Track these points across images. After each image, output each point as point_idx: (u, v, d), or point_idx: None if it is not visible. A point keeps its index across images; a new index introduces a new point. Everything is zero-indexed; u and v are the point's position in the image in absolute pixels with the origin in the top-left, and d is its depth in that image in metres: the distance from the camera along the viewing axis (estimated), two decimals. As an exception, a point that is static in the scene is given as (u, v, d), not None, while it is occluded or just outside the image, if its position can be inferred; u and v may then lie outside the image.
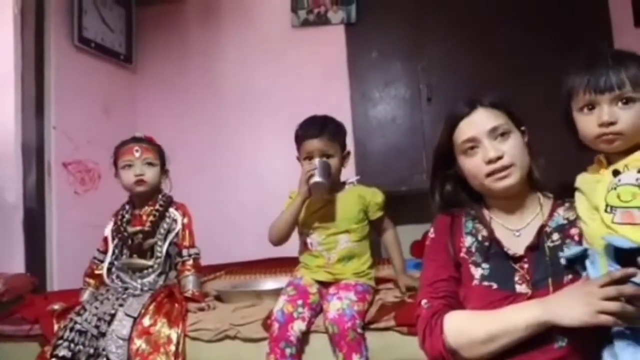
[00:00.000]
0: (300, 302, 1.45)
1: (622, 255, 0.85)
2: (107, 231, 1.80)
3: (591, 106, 0.93)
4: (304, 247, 1.66)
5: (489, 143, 1.03)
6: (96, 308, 1.57)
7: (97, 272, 1.79)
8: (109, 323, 1.52)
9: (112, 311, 1.55)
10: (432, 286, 1.06)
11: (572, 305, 0.85)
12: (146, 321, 1.53)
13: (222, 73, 3.14)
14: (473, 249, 1.07)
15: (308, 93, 2.92)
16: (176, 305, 1.62)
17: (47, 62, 2.43)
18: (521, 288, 0.99)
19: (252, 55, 3.08)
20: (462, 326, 0.97)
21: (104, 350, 1.49)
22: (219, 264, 2.63)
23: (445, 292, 1.04)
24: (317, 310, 1.49)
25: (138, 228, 1.74)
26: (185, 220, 1.81)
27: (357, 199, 1.64)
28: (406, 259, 1.80)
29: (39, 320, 1.65)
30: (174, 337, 1.51)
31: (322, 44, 2.97)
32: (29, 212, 2.28)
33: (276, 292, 1.67)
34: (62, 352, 1.49)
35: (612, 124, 0.91)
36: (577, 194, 1.01)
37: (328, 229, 1.60)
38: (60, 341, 1.51)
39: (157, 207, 1.77)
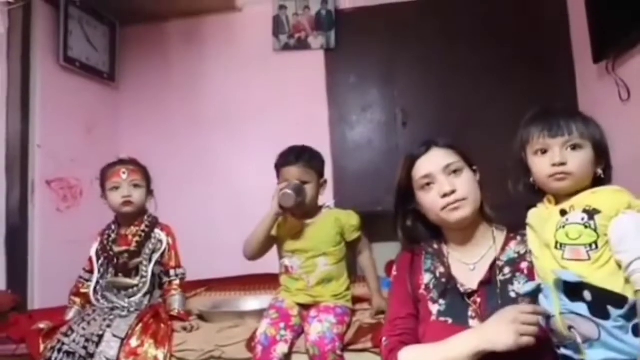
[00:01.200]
0: (282, 325, 1.50)
1: (570, 289, 0.93)
2: (93, 251, 1.81)
3: (544, 150, 1.03)
4: (284, 270, 1.71)
5: (444, 179, 1.12)
6: (83, 329, 1.58)
7: (82, 290, 1.80)
8: (97, 344, 1.53)
9: (100, 332, 1.57)
10: (391, 324, 1.16)
11: (502, 331, 0.94)
12: (133, 342, 1.56)
13: (204, 93, 3.18)
14: (431, 286, 1.15)
15: (288, 115, 3.00)
16: (162, 325, 1.64)
17: (33, 81, 2.44)
18: (473, 322, 1.07)
19: (234, 77, 3.14)
20: (412, 357, 1.06)
21: None
22: (199, 280, 2.67)
23: (402, 330, 1.13)
24: (299, 332, 1.54)
25: (124, 248, 1.75)
26: (170, 241, 1.84)
27: (333, 222, 1.70)
28: (381, 276, 1.87)
29: (25, 340, 1.65)
30: (160, 357, 1.53)
31: (303, 68, 3.05)
32: (11, 229, 2.28)
33: (258, 313, 1.72)
34: None
35: (562, 164, 1.00)
36: (528, 229, 1.09)
37: (307, 252, 1.66)
38: None
39: (142, 227, 1.79)
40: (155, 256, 1.78)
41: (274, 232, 1.69)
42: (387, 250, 2.73)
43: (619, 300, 0.89)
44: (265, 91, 3.08)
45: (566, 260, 0.96)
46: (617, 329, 0.89)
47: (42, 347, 1.60)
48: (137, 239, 1.76)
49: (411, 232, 1.22)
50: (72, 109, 2.73)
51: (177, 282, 1.81)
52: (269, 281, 2.24)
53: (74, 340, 1.56)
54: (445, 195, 1.10)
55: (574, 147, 1.01)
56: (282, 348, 1.45)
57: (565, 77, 2.76)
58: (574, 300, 0.93)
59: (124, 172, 1.76)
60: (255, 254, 1.70)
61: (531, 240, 1.08)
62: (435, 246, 1.20)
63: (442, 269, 1.15)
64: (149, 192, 1.86)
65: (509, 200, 1.12)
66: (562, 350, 0.98)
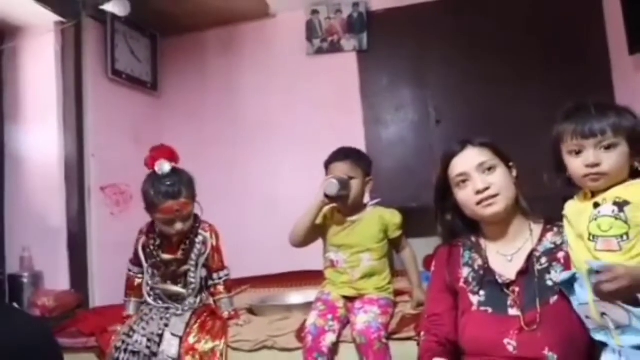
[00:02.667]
0: (330, 316, 1.61)
1: None
2: (140, 247, 1.83)
3: (579, 150, 1.06)
4: (330, 264, 1.82)
5: (478, 176, 1.18)
6: (143, 329, 1.68)
7: (136, 283, 1.88)
8: (159, 344, 1.64)
9: (159, 331, 1.67)
10: (429, 319, 1.26)
11: None
12: (191, 339, 1.67)
13: (241, 99, 3.31)
14: (470, 279, 1.22)
15: (323, 117, 3.10)
16: (217, 322, 1.76)
17: (86, 94, 2.62)
18: (513, 311, 1.13)
19: (269, 82, 3.26)
20: None
21: None
22: (242, 277, 2.82)
23: (437, 327, 1.22)
24: (345, 322, 1.64)
25: (171, 257, 1.78)
26: (214, 242, 1.86)
27: (377, 219, 1.79)
28: (421, 270, 1.93)
29: (94, 334, 1.82)
30: (217, 349, 1.66)
31: (336, 71, 3.13)
32: (72, 234, 2.47)
33: (305, 306, 1.84)
34: None
35: (596, 165, 1.02)
36: (565, 221, 1.14)
37: (352, 248, 1.75)
38: None
39: (188, 234, 1.80)
40: (202, 260, 1.82)
41: (319, 221, 1.78)
42: (424, 245, 2.80)
43: None
44: (300, 95, 3.18)
45: (599, 252, 1.00)
46: None
47: (112, 340, 1.73)
48: (183, 246, 1.79)
49: (451, 227, 1.29)
50: (120, 118, 2.90)
51: (222, 285, 1.86)
52: (307, 277, 2.37)
53: (137, 341, 1.66)
54: (478, 192, 1.17)
55: (608, 147, 1.02)
56: (330, 338, 1.56)
57: (600, 69, 2.75)
58: None
59: (177, 210, 1.71)
60: (301, 241, 1.78)
61: (567, 231, 1.12)
62: (473, 239, 1.26)
63: (480, 262, 1.22)
64: (196, 203, 1.83)
65: (544, 192, 1.16)
66: (598, 336, 1.02)
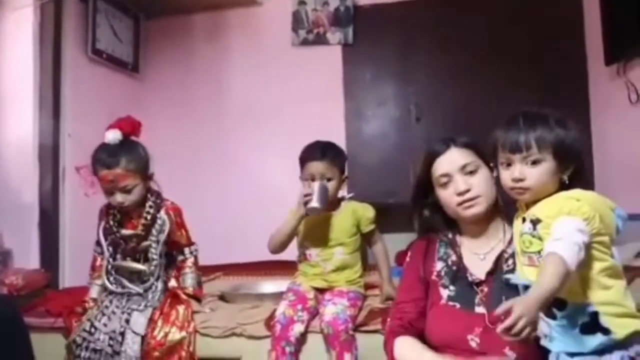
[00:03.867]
0: (299, 306, 1.63)
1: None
2: (100, 230, 1.77)
3: (507, 163, 1.07)
4: (303, 256, 1.83)
5: (460, 178, 1.20)
6: (105, 325, 1.63)
7: (99, 263, 1.81)
8: (121, 343, 1.60)
9: (121, 329, 1.61)
10: (397, 307, 1.29)
11: None
12: (159, 335, 1.62)
13: (225, 85, 3.30)
14: (442, 273, 1.25)
15: (306, 109, 3.11)
16: (181, 309, 1.70)
17: (64, 72, 2.59)
18: (479, 309, 1.17)
19: (254, 70, 3.26)
20: (401, 352, 1.19)
21: None
22: (216, 264, 2.82)
23: (404, 314, 1.25)
24: (314, 313, 1.66)
25: (131, 232, 1.71)
26: (177, 219, 1.80)
27: (350, 214, 1.80)
28: (392, 266, 1.96)
29: (62, 315, 1.81)
30: (185, 339, 1.63)
31: (320, 63, 3.15)
32: (44, 213, 2.44)
33: (276, 295, 1.86)
34: None
35: (521, 180, 1.03)
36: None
37: (325, 242, 1.77)
38: None
39: (147, 208, 1.73)
40: (162, 237, 1.74)
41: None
42: (397, 241, 2.84)
43: (560, 303, 0.97)
44: (284, 85, 3.19)
45: (526, 267, 1.04)
46: (560, 327, 0.98)
47: (74, 325, 1.71)
48: (143, 221, 1.72)
49: (428, 222, 1.31)
50: (99, 99, 2.86)
51: (192, 259, 1.84)
52: (281, 267, 2.38)
53: (98, 338, 1.61)
54: (460, 194, 1.19)
55: (534, 162, 1.03)
56: (298, 328, 1.58)
57: (577, 77, 2.83)
58: None
59: (111, 181, 1.63)
60: (279, 249, 1.79)
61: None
62: (450, 236, 1.28)
63: (454, 258, 1.24)
64: (147, 178, 1.74)
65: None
66: (541, 342, 1.05)
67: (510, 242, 1.21)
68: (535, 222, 1.01)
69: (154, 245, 1.73)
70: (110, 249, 1.75)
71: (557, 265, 0.89)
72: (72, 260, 2.52)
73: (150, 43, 3.34)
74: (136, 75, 3.23)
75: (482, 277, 1.19)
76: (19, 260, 2.34)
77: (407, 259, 1.34)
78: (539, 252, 1.00)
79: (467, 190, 1.19)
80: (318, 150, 1.75)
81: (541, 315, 0.96)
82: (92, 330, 1.63)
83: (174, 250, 1.84)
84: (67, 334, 1.74)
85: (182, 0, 3.14)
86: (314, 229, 1.78)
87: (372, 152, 3.05)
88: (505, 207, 1.24)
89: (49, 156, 2.47)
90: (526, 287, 1.01)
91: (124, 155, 1.64)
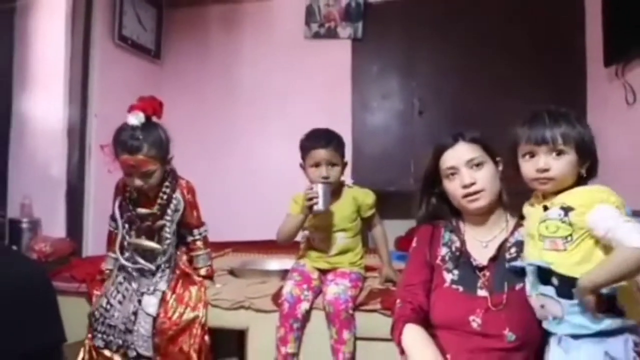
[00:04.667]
0: (305, 286, 1.65)
1: (542, 274, 1.04)
2: (116, 206, 1.70)
3: (531, 154, 1.07)
4: (307, 241, 1.83)
5: (466, 171, 1.20)
6: (120, 303, 1.63)
7: (113, 238, 1.75)
8: (134, 322, 1.60)
9: (134, 309, 1.62)
10: (405, 289, 1.27)
11: None
12: (174, 316, 1.62)
13: (238, 73, 3.28)
14: (447, 258, 1.25)
15: (314, 98, 3.09)
16: (193, 290, 1.68)
17: (92, 57, 2.57)
18: (481, 292, 1.16)
19: (266, 60, 3.23)
20: (407, 340, 1.15)
21: (132, 343, 1.59)
22: (226, 241, 2.85)
23: (413, 296, 1.23)
24: (318, 292, 1.68)
25: (147, 211, 1.65)
26: (190, 198, 1.74)
27: (351, 200, 1.78)
28: (391, 250, 1.98)
29: (85, 281, 1.84)
30: (197, 317, 1.64)
31: (330, 56, 3.11)
32: (70, 186, 2.46)
33: (280, 272, 1.88)
34: (98, 342, 1.62)
35: (546, 170, 1.04)
36: (524, 220, 1.17)
37: (328, 229, 1.76)
38: (95, 333, 1.62)
39: (164, 189, 1.67)
40: (177, 216, 1.69)
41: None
42: (397, 227, 2.86)
43: None
44: (294, 75, 3.16)
45: (545, 250, 1.04)
46: (573, 306, 0.99)
47: (95, 294, 1.73)
48: (159, 201, 1.66)
49: (434, 211, 1.31)
50: (123, 82, 2.84)
51: (201, 240, 1.79)
52: (286, 246, 2.38)
53: (113, 315, 1.62)
54: (465, 186, 1.19)
55: (559, 154, 1.04)
56: (304, 306, 1.60)
57: (576, 76, 2.78)
58: (545, 284, 1.03)
59: (132, 166, 1.57)
60: (287, 242, 1.77)
61: (524, 229, 1.16)
62: (454, 223, 1.29)
63: (458, 244, 1.24)
64: (166, 162, 1.67)
65: (518, 187, 1.19)
66: (544, 324, 1.07)
67: (513, 231, 1.22)
68: (567, 210, 1.01)
69: (168, 224, 1.68)
70: (127, 225, 1.69)
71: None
72: (95, 230, 2.55)
73: (171, 31, 3.31)
74: (157, 61, 3.21)
75: (485, 262, 1.19)
76: (47, 229, 2.37)
77: (414, 244, 1.33)
78: (565, 237, 1.01)
79: (472, 184, 1.19)
80: (323, 138, 1.72)
81: (553, 295, 0.99)
82: (108, 307, 1.63)
83: (185, 229, 1.77)
84: (89, 299, 1.78)
85: (202, -9, 3.11)
86: (317, 217, 1.76)
87: (376, 142, 3.04)
88: (509, 199, 1.24)
89: (77, 135, 2.48)
90: (540, 269, 1.03)
91: (146, 141, 1.56)
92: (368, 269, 1.89)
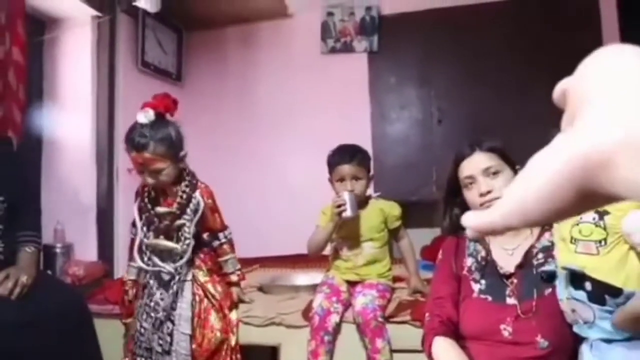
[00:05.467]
0: (334, 298, 1.66)
1: (574, 279, 1.02)
2: (135, 209, 1.66)
3: None
4: (335, 252, 1.85)
5: (483, 180, 1.20)
6: (153, 326, 1.58)
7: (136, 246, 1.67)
8: (171, 343, 1.57)
9: (169, 330, 1.58)
10: (434, 302, 1.28)
11: None
12: (203, 342, 1.59)
13: (257, 91, 3.32)
14: (473, 268, 1.25)
15: (334, 112, 3.11)
16: (212, 318, 1.62)
17: (117, 83, 2.64)
18: (510, 300, 1.16)
19: (285, 77, 3.26)
20: (437, 353, 1.18)
21: None
22: (251, 257, 2.87)
23: (441, 309, 1.24)
24: (347, 305, 1.69)
25: (166, 209, 1.59)
26: (210, 202, 1.67)
27: (378, 212, 1.82)
28: (417, 260, 1.97)
29: (118, 302, 1.87)
30: (227, 340, 1.62)
31: (347, 70, 3.13)
32: (100, 210, 2.51)
33: (310, 287, 1.89)
34: None
35: None
36: (554, 224, 1.15)
37: (355, 238, 1.79)
38: (135, 356, 1.60)
39: (183, 187, 1.61)
40: (196, 217, 1.62)
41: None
42: (421, 236, 2.84)
43: (615, 290, 0.97)
44: (313, 91, 3.19)
45: (578, 254, 1.02)
46: (605, 312, 0.97)
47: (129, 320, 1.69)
48: (178, 199, 1.59)
49: (457, 220, 1.30)
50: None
51: (228, 243, 1.74)
52: (313, 260, 2.39)
53: (148, 338, 1.59)
54: (482, 195, 1.20)
55: None
56: (334, 318, 1.60)
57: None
58: (577, 289, 1.01)
59: (141, 164, 1.52)
60: (318, 253, 1.80)
61: (555, 233, 1.14)
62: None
63: (483, 253, 1.24)
64: (179, 159, 1.60)
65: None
66: (575, 329, 1.06)
67: (539, 238, 1.21)
68: (602, 213, 1.00)
69: (187, 224, 1.60)
70: (145, 228, 1.62)
71: None
72: (125, 252, 2.56)
73: (191, 54, 3.38)
74: (178, 83, 3.29)
75: (512, 270, 1.18)
76: (79, 253, 2.43)
77: (440, 255, 1.34)
78: (599, 241, 1.00)
79: (489, 192, 1.19)
80: (347, 154, 1.77)
81: (585, 300, 0.98)
82: (142, 330, 1.60)
83: (208, 233, 1.71)
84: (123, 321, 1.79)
85: (218, 14, 3.16)
86: (345, 227, 1.79)
87: (396, 152, 3.03)
88: None
89: (105, 159, 2.54)
90: (572, 273, 1.01)
91: (153, 138, 1.51)
92: (396, 279, 1.89)
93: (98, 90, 2.54)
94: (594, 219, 1.02)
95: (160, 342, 1.57)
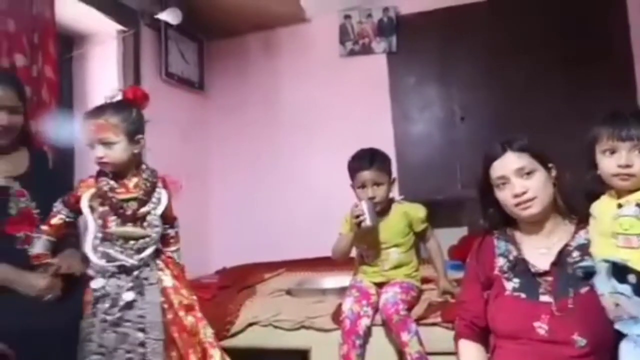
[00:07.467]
0: (364, 302, 1.65)
1: (618, 272, 1.00)
2: (84, 201, 1.42)
3: (612, 151, 1.06)
4: (360, 258, 1.84)
5: (516, 180, 1.19)
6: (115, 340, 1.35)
7: (54, 222, 1.45)
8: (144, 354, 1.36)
9: (137, 340, 1.37)
10: (461, 306, 1.31)
11: None
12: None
13: (279, 96, 3.34)
14: (505, 268, 1.23)
15: (355, 114, 3.11)
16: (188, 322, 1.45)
17: (143, 95, 2.71)
18: (545, 298, 1.14)
19: (305, 81, 3.27)
20: (460, 356, 1.25)
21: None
22: (277, 261, 2.89)
23: (465, 312, 1.28)
24: (377, 308, 1.67)
25: (131, 195, 1.42)
26: (169, 192, 1.53)
27: (402, 216, 1.79)
28: (445, 260, 1.93)
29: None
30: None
31: (367, 71, 3.13)
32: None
33: (338, 290, 1.89)
34: None
35: (628, 166, 1.03)
36: (591, 219, 1.14)
37: (380, 244, 1.77)
38: None
39: (145, 176, 1.48)
40: (161, 208, 1.47)
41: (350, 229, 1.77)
42: (448, 235, 2.80)
43: None
44: (334, 94, 3.19)
45: (619, 248, 1.01)
46: None
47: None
48: (142, 186, 1.45)
49: (492, 219, 1.29)
50: (172, 116, 2.96)
51: (177, 234, 1.59)
52: (339, 263, 2.39)
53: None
54: (516, 195, 1.18)
55: None
56: (365, 321, 1.60)
57: (624, 67, 2.66)
58: (621, 282, 0.99)
59: (93, 130, 1.40)
60: (342, 259, 1.80)
61: (591, 228, 1.13)
62: (509, 232, 1.27)
63: (515, 253, 1.23)
64: (134, 141, 1.45)
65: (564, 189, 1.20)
66: (617, 325, 1.03)
67: (574, 235, 1.19)
68: None
69: (152, 212, 1.45)
70: (101, 220, 1.40)
71: None
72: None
73: (213, 63, 3.43)
74: (201, 92, 3.33)
75: (547, 267, 1.17)
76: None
77: (468, 259, 1.33)
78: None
79: (524, 193, 1.18)
80: (366, 160, 1.75)
81: (630, 294, 0.96)
82: (102, 350, 1.35)
83: (165, 224, 1.53)
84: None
85: (237, 23, 3.20)
86: (368, 234, 1.77)
87: (419, 152, 3.00)
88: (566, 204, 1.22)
89: (134, 169, 2.59)
90: (615, 266, 1.00)
91: (110, 108, 1.42)
92: (424, 280, 1.87)
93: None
94: (635, 212, 1.00)
95: (130, 355, 1.35)
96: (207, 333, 1.46)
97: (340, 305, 1.69)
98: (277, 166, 3.29)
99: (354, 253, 1.89)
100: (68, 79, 2.59)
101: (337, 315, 1.67)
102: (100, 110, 1.42)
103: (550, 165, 1.23)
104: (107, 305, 1.36)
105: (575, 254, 1.16)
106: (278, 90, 3.35)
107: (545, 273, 1.17)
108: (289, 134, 3.28)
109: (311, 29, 3.30)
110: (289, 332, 1.73)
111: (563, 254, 1.17)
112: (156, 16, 2.69)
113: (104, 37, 2.61)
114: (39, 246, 1.43)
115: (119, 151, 1.41)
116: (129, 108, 1.48)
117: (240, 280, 2.35)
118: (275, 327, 1.74)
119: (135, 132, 1.46)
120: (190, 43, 3.21)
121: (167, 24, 2.81)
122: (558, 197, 1.22)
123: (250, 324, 1.79)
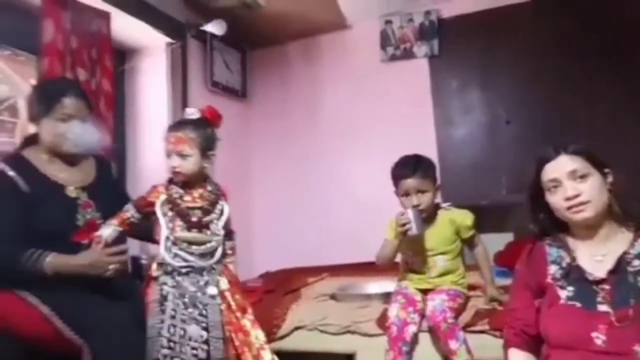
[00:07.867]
0: (411, 309, 1.64)
1: None
2: (158, 206, 1.52)
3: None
4: (405, 265, 1.83)
5: (569, 183, 1.16)
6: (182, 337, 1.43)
7: (123, 217, 1.55)
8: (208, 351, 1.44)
9: (202, 338, 1.44)
10: (510, 314, 1.28)
11: None
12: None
13: (321, 102, 3.38)
14: (558, 275, 1.19)
15: (398, 119, 3.10)
16: (248, 324, 1.52)
17: (190, 103, 2.79)
18: (602, 307, 1.10)
19: (347, 87, 3.30)
20: None
21: None
22: (321, 265, 2.91)
23: (514, 320, 1.25)
24: (423, 314, 1.66)
25: (197, 204, 1.53)
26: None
27: (448, 223, 1.76)
28: (491, 266, 1.89)
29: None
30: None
31: (409, 76, 3.12)
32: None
33: (382, 296, 1.89)
34: None
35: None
36: None
37: (426, 252, 1.75)
38: None
39: (209, 189, 1.58)
40: (223, 219, 1.56)
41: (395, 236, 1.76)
42: (494, 241, 2.73)
43: None
44: (376, 99, 3.19)
45: None
46: None
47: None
48: (206, 195, 1.55)
49: (543, 224, 1.26)
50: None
51: (234, 247, 1.65)
52: (383, 268, 2.38)
53: (181, 351, 1.43)
54: (568, 199, 1.15)
55: None
56: (412, 328, 1.59)
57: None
58: None
59: (172, 142, 1.53)
60: (386, 264, 1.79)
61: None
62: (562, 239, 1.23)
63: (568, 259, 1.19)
64: (206, 157, 1.56)
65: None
66: None
67: (633, 243, 1.15)
68: None
69: (215, 221, 1.54)
70: (171, 224, 1.50)
71: None
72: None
73: (255, 71, 3.52)
74: (244, 100, 3.43)
75: (603, 275, 1.13)
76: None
77: (517, 266, 1.31)
78: None
79: (576, 196, 1.14)
80: (409, 167, 1.73)
81: None
82: (172, 345, 1.42)
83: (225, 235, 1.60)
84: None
85: (279, 31, 3.27)
86: (414, 242, 1.75)
87: (463, 156, 2.96)
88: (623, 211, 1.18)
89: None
90: None
91: (190, 124, 1.56)
92: (471, 287, 1.84)
93: (173, 110, 2.71)
94: None
95: (195, 351, 1.43)
96: (258, 336, 1.51)
97: (385, 310, 1.69)
98: (319, 172, 3.33)
99: (397, 258, 1.89)
100: (120, 90, 2.73)
101: (382, 321, 1.67)
102: (181, 125, 1.57)
103: (606, 170, 1.19)
104: (177, 302, 1.45)
105: (636, 262, 1.11)
106: (319, 97, 3.39)
107: (602, 281, 1.13)
108: (330, 140, 3.30)
109: (352, 35, 3.32)
110: (335, 336, 1.74)
111: (622, 261, 1.13)
112: (202, 28, 2.79)
113: (153, 49, 2.74)
114: (107, 231, 1.52)
115: (191, 163, 1.54)
116: (206, 126, 1.60)
117: (284, 284, 2.38)
118: (321, 331, 1.76)
119: (208, 148, 1.58)
120: (234, 53, 3.31)
121: (212, 35, 2.91)
122: (614, 203, 1.17)
123: (297, 328, 1.82)
